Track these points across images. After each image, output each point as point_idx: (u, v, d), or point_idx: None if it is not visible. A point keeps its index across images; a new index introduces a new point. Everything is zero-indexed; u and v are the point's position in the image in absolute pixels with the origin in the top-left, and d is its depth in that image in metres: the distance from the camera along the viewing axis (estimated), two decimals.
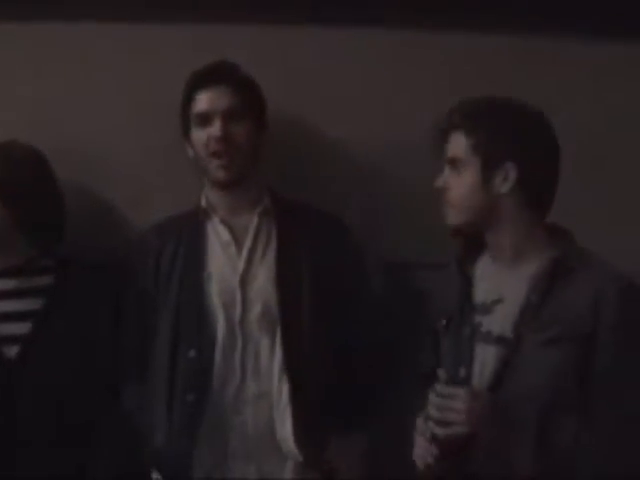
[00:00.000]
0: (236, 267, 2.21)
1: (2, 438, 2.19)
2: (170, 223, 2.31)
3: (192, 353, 2.16)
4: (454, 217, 1.95)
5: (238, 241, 2.23)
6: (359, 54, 2.45)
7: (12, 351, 2.22)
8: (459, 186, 1.93)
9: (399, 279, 2.44)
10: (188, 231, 2.26)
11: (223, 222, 2.25)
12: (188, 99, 2.25)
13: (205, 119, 2.21)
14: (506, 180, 1.90)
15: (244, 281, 2.20)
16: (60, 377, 2.23)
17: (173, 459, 2.17)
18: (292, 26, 2.41)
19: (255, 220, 2.24)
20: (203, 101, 2.22)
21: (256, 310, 2.18)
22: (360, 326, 2.27)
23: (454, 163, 1.94)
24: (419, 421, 1.88)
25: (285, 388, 2.15)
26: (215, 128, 2.19)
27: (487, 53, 2.43)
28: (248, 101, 2.23)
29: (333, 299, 2.22)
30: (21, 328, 2.24)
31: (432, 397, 1.81)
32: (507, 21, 2.36)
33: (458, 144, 1.93)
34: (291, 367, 2.15)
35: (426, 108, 2.26)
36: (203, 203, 2.28)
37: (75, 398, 2.23)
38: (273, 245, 2.23)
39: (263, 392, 2.17)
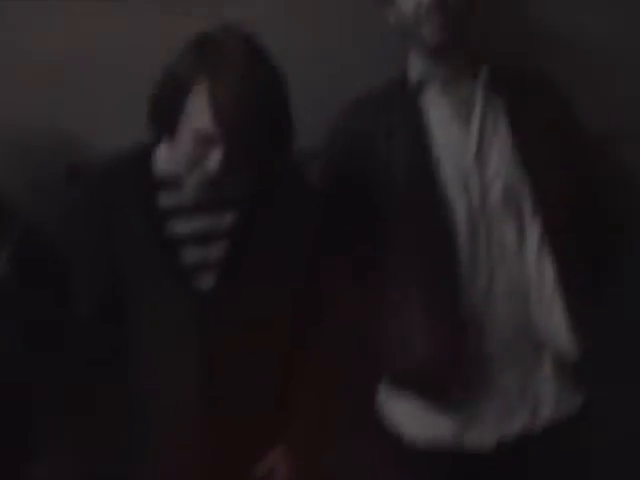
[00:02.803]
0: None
1: None
2: (372, 99, 2.01)
3: None
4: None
5: (462, 117, 1.95)
6: None
7: None
8: None
9: None
10: (400, 107, 1.97)
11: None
12: None
13: None
14: None
15: (479, 161, 1.93)
16: None
17: None
18: None
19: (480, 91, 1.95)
20: None
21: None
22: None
23: None
24: None
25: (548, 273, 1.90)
26: None
27: None
28: None
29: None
30: None
31: None
32: None
33: None
34: (553, 247, 1.89)
35: None
36: (415, 74, 1.99)
37: None
38: (503, 117, 1.94)
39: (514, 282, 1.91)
